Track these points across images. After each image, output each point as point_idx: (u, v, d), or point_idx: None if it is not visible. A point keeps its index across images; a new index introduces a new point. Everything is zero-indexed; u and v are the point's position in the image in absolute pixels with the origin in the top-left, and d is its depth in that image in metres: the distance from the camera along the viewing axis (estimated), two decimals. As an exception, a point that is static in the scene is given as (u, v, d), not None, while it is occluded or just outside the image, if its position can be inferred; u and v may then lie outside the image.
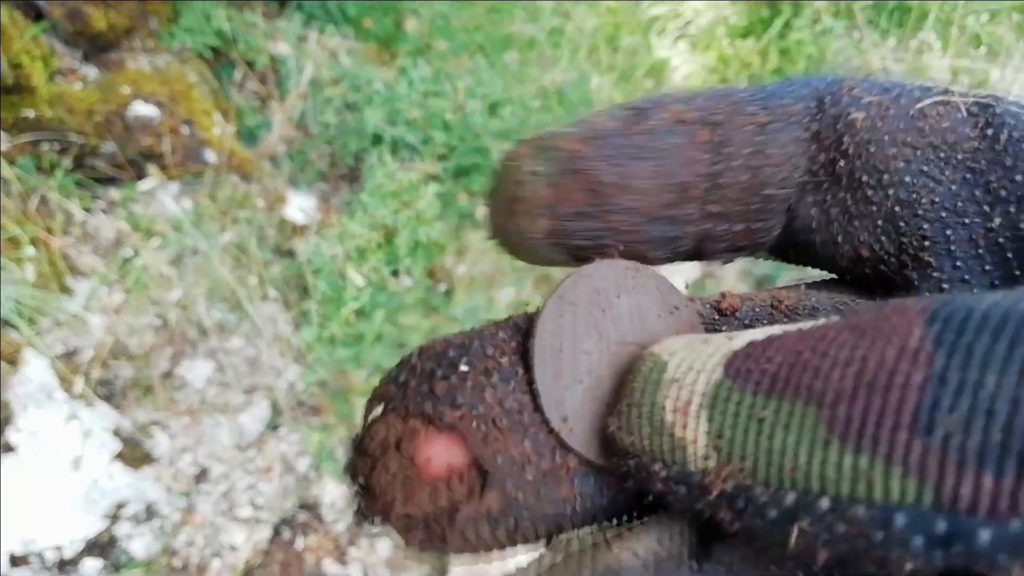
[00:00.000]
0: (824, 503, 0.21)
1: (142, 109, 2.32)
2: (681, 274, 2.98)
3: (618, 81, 3.53)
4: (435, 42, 3.33)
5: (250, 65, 2.81)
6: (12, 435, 1.94)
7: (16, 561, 1.93)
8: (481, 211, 2.27)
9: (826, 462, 0.21)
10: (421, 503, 0.28)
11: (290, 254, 2.59)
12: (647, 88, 3.55)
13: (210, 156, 2.44)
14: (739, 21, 3.66)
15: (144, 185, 2.30)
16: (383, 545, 2.32)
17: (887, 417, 0.20)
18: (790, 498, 0.22)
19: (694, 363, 0.26)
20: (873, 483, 0.20)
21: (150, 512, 2.17)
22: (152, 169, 2.26)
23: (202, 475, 2.31)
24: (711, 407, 0.25)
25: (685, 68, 3.66)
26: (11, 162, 2.14)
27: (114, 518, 2.09)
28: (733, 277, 3.01)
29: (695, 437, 0.25)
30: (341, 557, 2.31)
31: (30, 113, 2.16)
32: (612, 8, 3.80)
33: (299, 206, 2.60)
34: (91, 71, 2.36)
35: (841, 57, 3.57)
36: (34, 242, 2.11)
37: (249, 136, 2.74)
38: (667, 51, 3.69)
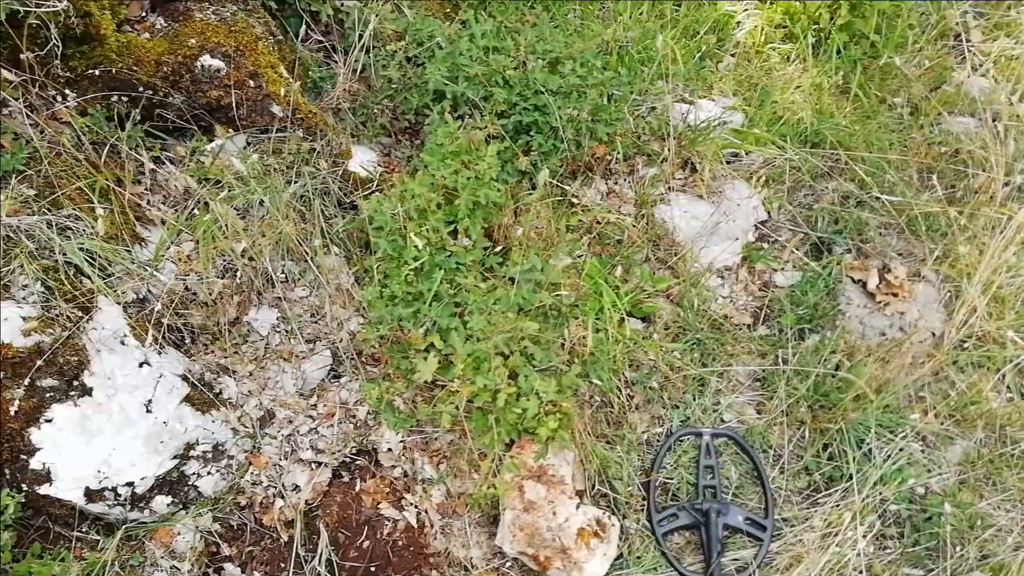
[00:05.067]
0: None
1: (209, 61, 2.17)
2: (737, 240, 2.76)
3: (680, 37, 3.24)
4: (498, -6, 3.08)
5: (314, 17, 2.62)
6: (87, 378, 1.87)
7: (92, 496, 1.90)
8: (541, 173, 2.08)
9: None
10: None
11: (353, 208, 2.44)
12: (711, 44, 3.25)
13: (276, 109, 2.28)
14: (808, -26, 3.29)
15: (212, 143, 2.16)
16: (437, 492, 2.23)
17: None
18: None
19: None
20: None
21: (217, 453, 2.11)
22: (219, 128, 2.12)
23: (266, 419, 2.24)
24: None
25: (750, 23, 3.33)
26: (82, 113, 2.02)
27: (183, 458, 2.04)
28: (793, 243, 2.76)
29: None
30: (397, 502, 2.24)
31: (100, 65, 2.03)
32: (677, -40, 3.46)
33: (362, 160, 2.45)
34: (158, 21, 2.21)
35: (916, 14, 3.20)
36: (104, 192, 2.00)
37: (314, 89, 2.57)
38: (732, 5, 3.36)
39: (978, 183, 2.74)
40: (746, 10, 3.37)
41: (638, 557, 2.20)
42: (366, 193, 2.38)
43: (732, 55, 3.31)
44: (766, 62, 3.27)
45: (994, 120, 2.87)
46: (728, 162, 2.90)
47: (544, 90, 2.37)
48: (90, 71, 2.02)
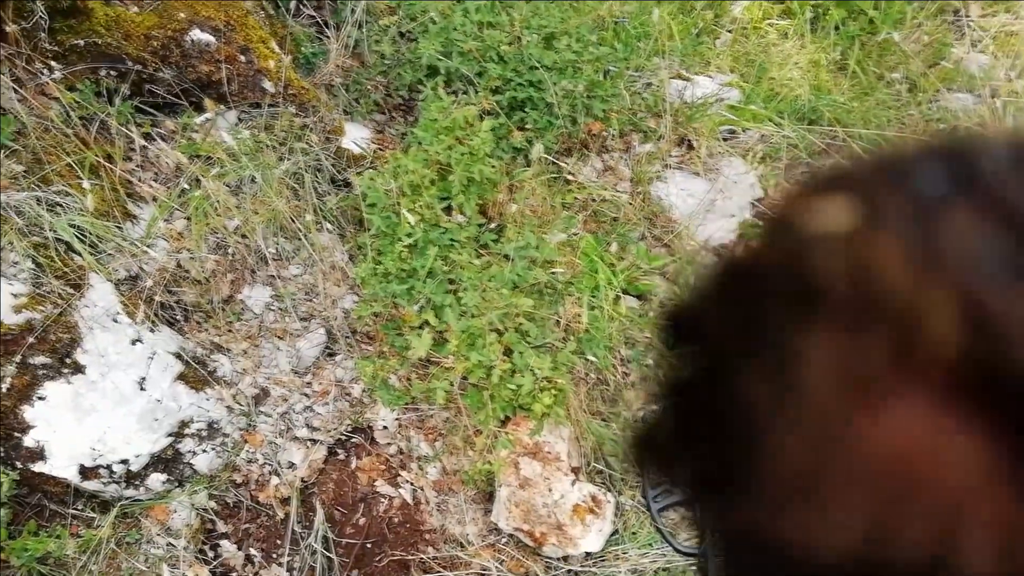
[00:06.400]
0: None
1: (199, 36, 2.14)
2: (733, 217, 2.74)
3: (677, 12, 3.20)
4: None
5: (306, -9, 2.58)
6: (80, 356, 1.86)
7: (87, 473, 1.89)
8: (534, 148, 2.06)
9: None
10: None
11: (346, 185, 2.42)
12: (707, 20, 3.22)
13: (267, 85, 2.25)
14: (807, -51, 3.25)
15: (200, 118, 2.14)
16: (433, 469, 2.24)
17: None
18: None
19: None
20: None
21: (212, 430, 2.11)
22: (208, 102, 2.09)
23: (261, 397, 2.24)
24: None
25: (747, -1, 3.30)
26: (70, 88, 1.99)
27: (178, 435, 2.03)
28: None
29: None
30: (393, 479, 2.24)
31: (88, 39, 2.00)
32: (674, -65, 3.41)
33: (355, 137, 2.42)
34: (147, -5, 2.17)
35: None
36: (94, 169, 1.98)
37: (306, 65, 2.54)
38: (729, -19, 3.32)
39: (975, 160, 2.72)
40: (744, -15, 3.33)
41: (633, 533, 2.21)
42: (359, 170, 2.36)
43: (729, 31, 3.27)
44: (763, 38, 3.24)
45: (992, 96, 2.85)
46: (724, 139, 2.88)
47: (539, 66, 2.35)
48: (76, 42, 1.99)
